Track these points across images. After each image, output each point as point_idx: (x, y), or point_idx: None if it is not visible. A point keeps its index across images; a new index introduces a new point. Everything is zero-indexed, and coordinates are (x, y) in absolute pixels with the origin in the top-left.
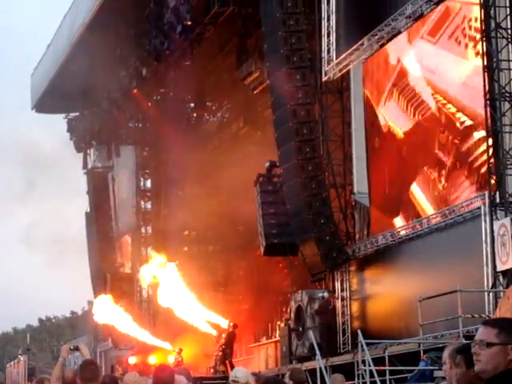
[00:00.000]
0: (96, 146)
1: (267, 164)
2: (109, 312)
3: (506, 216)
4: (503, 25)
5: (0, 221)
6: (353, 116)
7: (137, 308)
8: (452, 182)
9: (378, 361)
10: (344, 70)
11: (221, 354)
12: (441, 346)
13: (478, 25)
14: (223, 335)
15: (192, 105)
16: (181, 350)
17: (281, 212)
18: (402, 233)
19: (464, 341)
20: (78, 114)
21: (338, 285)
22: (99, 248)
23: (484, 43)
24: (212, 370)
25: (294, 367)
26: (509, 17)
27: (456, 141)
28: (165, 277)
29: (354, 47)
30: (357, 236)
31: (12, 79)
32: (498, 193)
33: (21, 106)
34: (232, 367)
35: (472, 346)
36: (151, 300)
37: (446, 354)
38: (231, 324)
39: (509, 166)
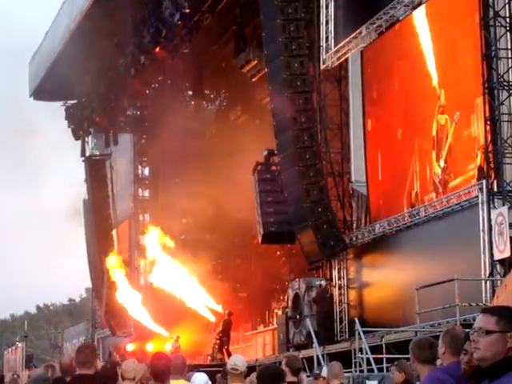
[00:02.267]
0: (94, 133)
1: (265, 152)
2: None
3: (503, 205)
4: (502, 13)
5: None
6: (351, 104)
7: None
8: (452, 165)
9: (375, 349)
10: (342, 59)
11: (218, 341)
12: (438, 334)
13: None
14: (220, 323)
15: (190, 93)
16: (178, 337)
17: (279, 200)
18: (400, 221)
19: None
20: (75, 101)
21: (335, 273)
22: (97, 235)
23: (482, 32)
24: (209, 358)
25: (291, 354)
26: (507, 5)
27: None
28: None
29: (353, 35)
30: (354, 224)
31: (10, 66)
32: (495, 181)
33: (19, 93)
34: (229, 355)
35: (470, 334)
36: (149, 287)
37: (440, 339)
38: (227, 312)
39: (507, 155)
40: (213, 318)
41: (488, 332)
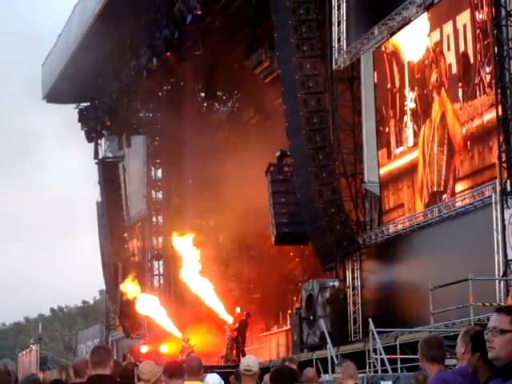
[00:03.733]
0: (107, 136)
1: (278, 153)
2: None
3: None
4: None
5: (11, 210)
6: (363, 105)
7: None
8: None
9: (389, 349)
10: (354, 59)
11: (233, 342)
12: (452, 334)
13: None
14: (236, 324)
15: (202, 94)
16: (188, 339)
17: (291, 201)
18: (413, 221)
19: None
20: (88, 104)
21: (348, 273)
22: (110, 237)
23: (494, 31)
24: (224, 359)
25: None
26: None
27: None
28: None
29: (365, 36)
30: (367, 225)
31: (23, 69)
32: (508, 181)
33: (32, 96)
34: (244, 356)
35: (485, 334)
36: (162, 289)
37: (459, 339)
38: (245, 312)
39: None
40: (230, 319)
41: (502, 331)
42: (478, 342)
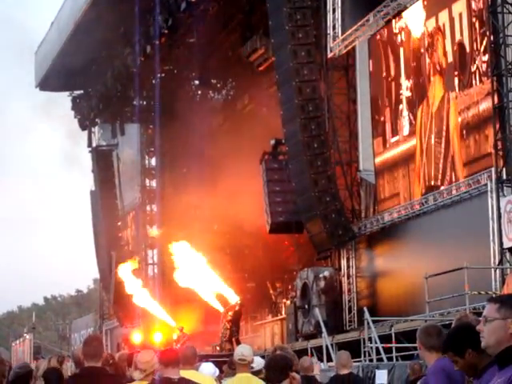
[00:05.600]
0: (100, 124)
1: (272, 141)
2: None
3: None
4: (509, 0)
5: (6, 199)
6: (358, 92)
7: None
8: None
9: (385, 338)
10: (350, 47)
11: (227, 331)
12: (447, 323)
13: None
14: (229, 313)
15: (196, 82)
16: (182, 327)
17: (286, 190)
18: (408, 209)
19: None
20: (82, 91)
21: (343, 262)
22: (104, 226)
23: (490, 19)
24: (218, 348)
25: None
26: None
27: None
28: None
29: (360, 23)
30: (363, 213)
31: (16, 57)
32: (504, 169)
33: (25, 84)
34: (238, 345)
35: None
36: (156, 278)
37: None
38: (238, 302)
39: None
40: (221, 309)
41: (490, 320)
42: (463, 340)
